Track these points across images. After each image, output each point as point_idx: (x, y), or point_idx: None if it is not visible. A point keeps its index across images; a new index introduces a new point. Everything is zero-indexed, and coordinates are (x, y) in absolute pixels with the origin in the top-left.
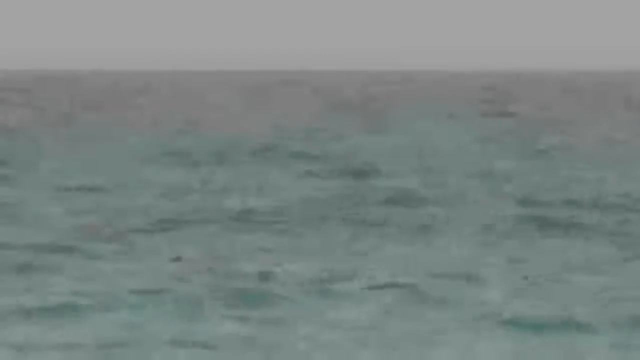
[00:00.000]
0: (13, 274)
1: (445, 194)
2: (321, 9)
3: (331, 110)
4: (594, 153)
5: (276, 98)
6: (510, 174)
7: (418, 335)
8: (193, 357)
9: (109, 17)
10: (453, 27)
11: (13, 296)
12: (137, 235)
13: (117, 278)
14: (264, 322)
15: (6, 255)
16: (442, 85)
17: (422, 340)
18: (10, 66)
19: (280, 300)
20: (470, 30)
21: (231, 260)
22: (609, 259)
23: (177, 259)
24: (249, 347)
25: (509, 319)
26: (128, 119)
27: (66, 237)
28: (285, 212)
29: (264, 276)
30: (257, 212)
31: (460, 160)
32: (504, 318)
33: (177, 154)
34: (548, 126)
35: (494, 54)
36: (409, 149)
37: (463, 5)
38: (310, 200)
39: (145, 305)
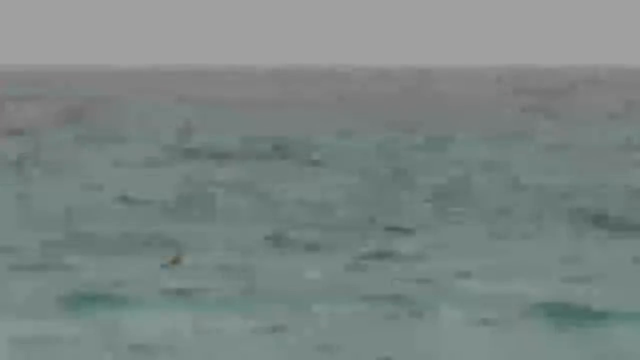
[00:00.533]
0: (30, 270)
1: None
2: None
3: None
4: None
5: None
6: (530, 168)
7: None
8: (212, 352)
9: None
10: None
11: (29, 291)
12: (146, 232)
13: (124, 275)
14: (279, 318)
15: (23, 252)
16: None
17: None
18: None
19: (294, 296)
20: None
21: (246, 257)
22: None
23: (177, 259)
24: (264, 342)
25: (541, 308)
26: (132, 115)
27: (76, 237)
28: (298, 210)
29: (278, 273)
30: (271, 210)
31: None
32: (535, 306)
33: (187, 152)
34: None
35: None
36: (432, 146)
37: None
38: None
39: (160, 302)
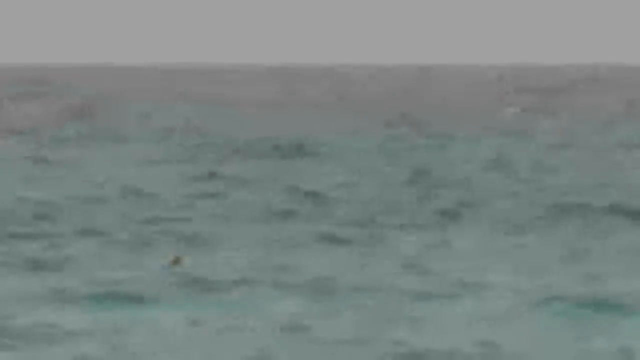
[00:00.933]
0: (32, 267)
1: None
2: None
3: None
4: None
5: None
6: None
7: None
8: (219, 350)
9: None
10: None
11: (31, 288)
12: (148, 231)
13: (134, 271)
14: (284, 315)
15: (27, 249)
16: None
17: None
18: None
19: (299, 293)
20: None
21: (250, 254)
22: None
23: (177, 260)
24: (271, 338)
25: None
26: (144, 114)
27: (79, 235)
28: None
29: (283, 270)
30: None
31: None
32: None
33: (189, 151)
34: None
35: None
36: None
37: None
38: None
39: (165, 300)
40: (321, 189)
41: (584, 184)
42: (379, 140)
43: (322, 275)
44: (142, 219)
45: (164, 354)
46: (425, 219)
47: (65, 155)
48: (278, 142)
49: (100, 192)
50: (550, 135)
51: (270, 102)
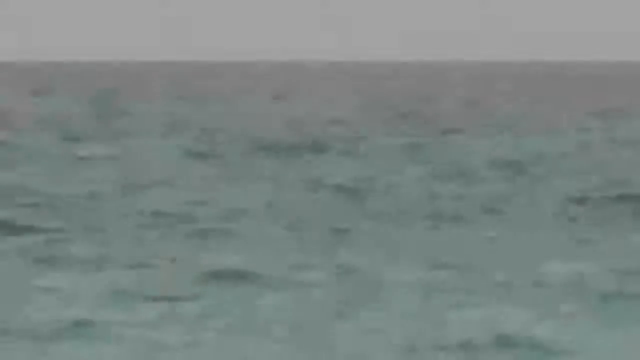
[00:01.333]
0: (38, 263)
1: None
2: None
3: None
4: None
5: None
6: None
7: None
8: (237, 347)
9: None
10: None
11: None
12: (154, 225)
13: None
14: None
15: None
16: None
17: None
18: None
19: (320, 289)
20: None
21: (260, 251)
22: None
23: (173, 260)
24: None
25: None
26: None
27: (83, 231)
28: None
29: (298, 267)
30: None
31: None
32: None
33: (192, 148)
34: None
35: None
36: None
37: None
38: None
39: (178, 297)
40: (332, 185)
41: (590, 180)
42: (383, 137)
43: (339, 271)
44: (149, 216)
45: (171, 351)
46: (437, 215)
47: (68, 152)
48: (285, 139)
49: (105, 188)
50: (554, 132)
51: (275, 99)
